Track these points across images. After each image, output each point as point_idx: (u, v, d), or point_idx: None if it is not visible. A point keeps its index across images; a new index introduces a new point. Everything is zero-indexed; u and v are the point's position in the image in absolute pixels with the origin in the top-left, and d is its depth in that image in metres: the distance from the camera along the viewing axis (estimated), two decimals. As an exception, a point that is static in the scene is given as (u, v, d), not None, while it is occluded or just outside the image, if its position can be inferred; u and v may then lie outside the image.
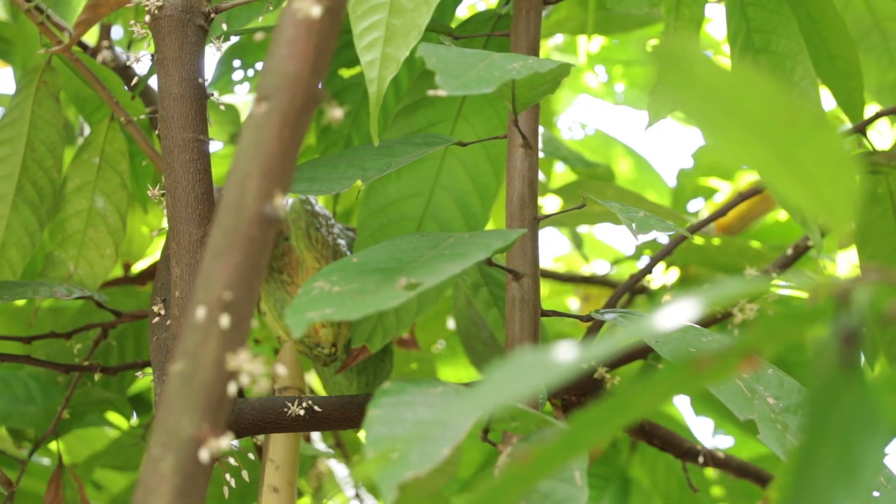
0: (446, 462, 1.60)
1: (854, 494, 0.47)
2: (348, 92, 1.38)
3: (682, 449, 1.37)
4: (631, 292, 1.85)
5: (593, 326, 1.11)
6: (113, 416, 1.63)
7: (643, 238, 0.92)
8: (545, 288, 2.17)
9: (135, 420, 1.62)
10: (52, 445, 1.59)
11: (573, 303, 2.19)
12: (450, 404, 0.77)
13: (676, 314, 0.50)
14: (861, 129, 1.19)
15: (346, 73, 1.38)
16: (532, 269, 1.04)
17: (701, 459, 1.36)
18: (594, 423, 0.52)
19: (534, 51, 1.12)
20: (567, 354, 0.51)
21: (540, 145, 1.67)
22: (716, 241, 1.73)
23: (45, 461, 1.67)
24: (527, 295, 1.03)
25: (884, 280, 0.50)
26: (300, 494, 2.00)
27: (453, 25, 1.31)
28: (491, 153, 1.24)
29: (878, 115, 1.19)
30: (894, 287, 0.50)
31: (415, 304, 1.23)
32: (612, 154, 2.27)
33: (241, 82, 1.79)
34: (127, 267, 1.65)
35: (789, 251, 1.39)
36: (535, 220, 1.05)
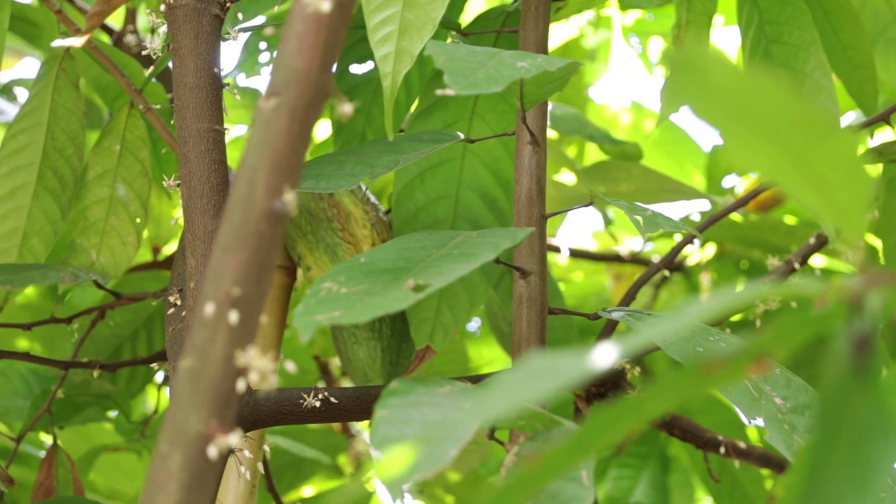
0: (478, 443, 1.61)
1: (866, 501, 0.47)
2: (360, 89, 1.37)
3: (703, 439, 1.36)
4: (669, 269, 1.85)
5: (608, 323, 1.11)
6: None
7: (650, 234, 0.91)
8: (580, 268, 2.16)
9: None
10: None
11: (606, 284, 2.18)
12: (457, 404, 0.77)
13: (682, 320, 0.50)
14: (885, 117, 1.18)
15: (357, 69, 1.37)
16: (539, 267, 1.03)
17: (722, 450, 1.36)
18: (605, 425, 0.52)
19: (543, 47, 1.11)
20: (576, 360, 0.50)
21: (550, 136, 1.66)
22: (753, 217, 1.73)
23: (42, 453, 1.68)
24: (534, 293, 1.02)
25: (896, 283, 0.50)
26: (340, 473, 2.02)
27: (463, 22, 1.31)
28: (509, 147, 1.23)
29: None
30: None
31: (466, 300, 1.23)
32: (647, 125, 2.27)
33: (267, 64, 1.79)
34: (156, 251, 1.65)
35: (812, 240, 1.38)
36: (543, 218, 1.04)
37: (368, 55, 1.36)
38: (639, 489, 1.78)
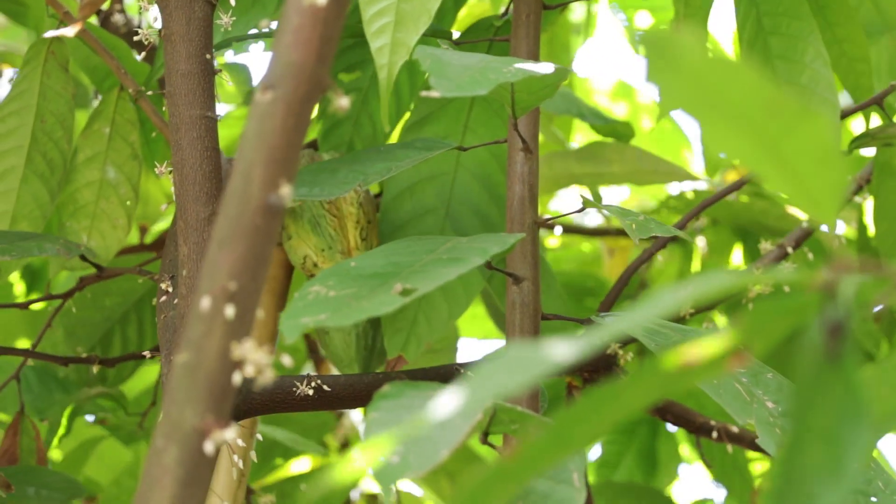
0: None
1: (839, 490, 0.47)
2: (348, 96, 1.37)
3: (696, 424, 1.37)
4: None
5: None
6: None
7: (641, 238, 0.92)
8: (575, 243, 2.16)
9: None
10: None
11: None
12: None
13: (661, 307, 0.50)
14: (878, 101, 1.18)
15: (345, 77, 1.36)
16: (532, 273, 1.04)
17: (715, 434, 1.36)
18: (580, 419, 0.52)
19: (534, 55, 1.11)
20: (555, 350, 0.50)
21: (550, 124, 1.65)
22: (744, 198, 1.73)
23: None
24: (527, 298, 1.03)
25: (870, 273, 0.50)
26: (326, 449, 2.02)
27: (456, 30, 1.31)
28: (502, 162, 1.23)
29: (893, 88, 1.18)
30: (880, 280, 0.50)
31: (445, 311, 1.23)
32: (634, 103, 2.27)
33: (255, 40, 1.77)
34: (143, 230, 1.64)
35: (805, 224, 1.37)
36: (536, 224, 1.05)
37: (356, 64, 1.35)
38: (628, 455, 1.80)
